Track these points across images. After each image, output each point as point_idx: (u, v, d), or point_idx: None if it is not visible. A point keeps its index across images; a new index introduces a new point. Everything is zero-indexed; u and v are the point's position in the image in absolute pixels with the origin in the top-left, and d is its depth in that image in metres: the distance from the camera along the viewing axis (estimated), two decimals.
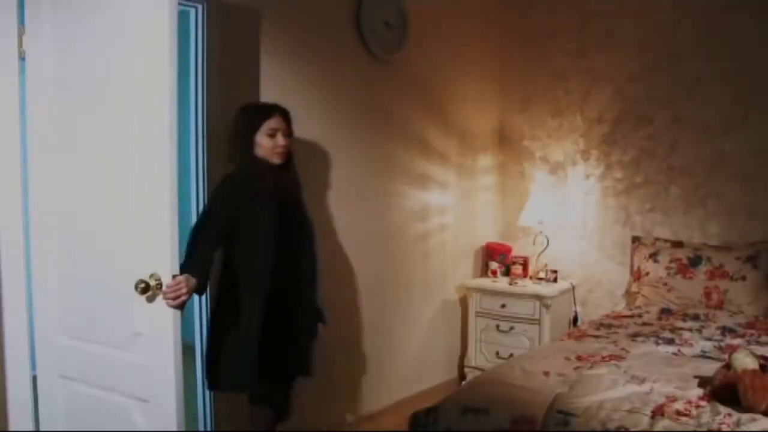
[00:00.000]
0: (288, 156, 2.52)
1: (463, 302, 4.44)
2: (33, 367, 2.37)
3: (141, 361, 2.09)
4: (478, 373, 3.93)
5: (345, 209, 3.46)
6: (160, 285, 1.99)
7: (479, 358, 4.27)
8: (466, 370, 4.34)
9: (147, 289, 1.99)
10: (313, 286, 2.60)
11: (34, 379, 2.36)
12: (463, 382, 4.12)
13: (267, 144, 2.44)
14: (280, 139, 2.45)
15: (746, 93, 3.74)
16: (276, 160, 2.46)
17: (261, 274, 2.37)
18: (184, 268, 2.08)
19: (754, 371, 2.04)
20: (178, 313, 2.02)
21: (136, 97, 2.05)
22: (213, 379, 2.46)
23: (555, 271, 4.29)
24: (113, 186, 2.15)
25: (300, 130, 3.23)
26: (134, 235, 2.08)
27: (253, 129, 2.44)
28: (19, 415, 2.36)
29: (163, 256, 2.00)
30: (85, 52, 2.19)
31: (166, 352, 2.02)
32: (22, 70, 2.28)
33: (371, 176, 3.66)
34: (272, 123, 2.44)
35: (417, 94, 3.94)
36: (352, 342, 3.59)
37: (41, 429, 2.36)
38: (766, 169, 3.70)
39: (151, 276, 2.00)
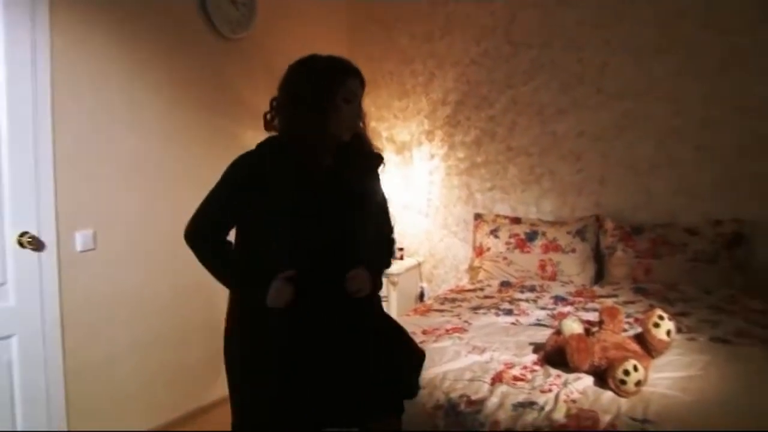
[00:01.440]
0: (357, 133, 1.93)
1: None
2: None
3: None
4: None
5: (192, 195, 3.30)
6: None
7: None
8: None
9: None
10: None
11: None
12: None
13: (346, 112, 1.84)
14: (358, 109, 1.89)
15: (573, 81, 4.02)
16: (346, 136, 1.88)
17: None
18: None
19: (579, 335, 2.20)
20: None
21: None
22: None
23: (401, 249, 4.40)
24: None
25: (138, 114, 3.07)
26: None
27: (333, 89, 1.81)
28: None
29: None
30: None
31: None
32: None
33: (218, 158, 3.50)
34: (353, 85, 1.86)
35: (265, 74, 3.82)
36: (213, 322, 3.46)
37: None
38: (590, 150, 4.00)
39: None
